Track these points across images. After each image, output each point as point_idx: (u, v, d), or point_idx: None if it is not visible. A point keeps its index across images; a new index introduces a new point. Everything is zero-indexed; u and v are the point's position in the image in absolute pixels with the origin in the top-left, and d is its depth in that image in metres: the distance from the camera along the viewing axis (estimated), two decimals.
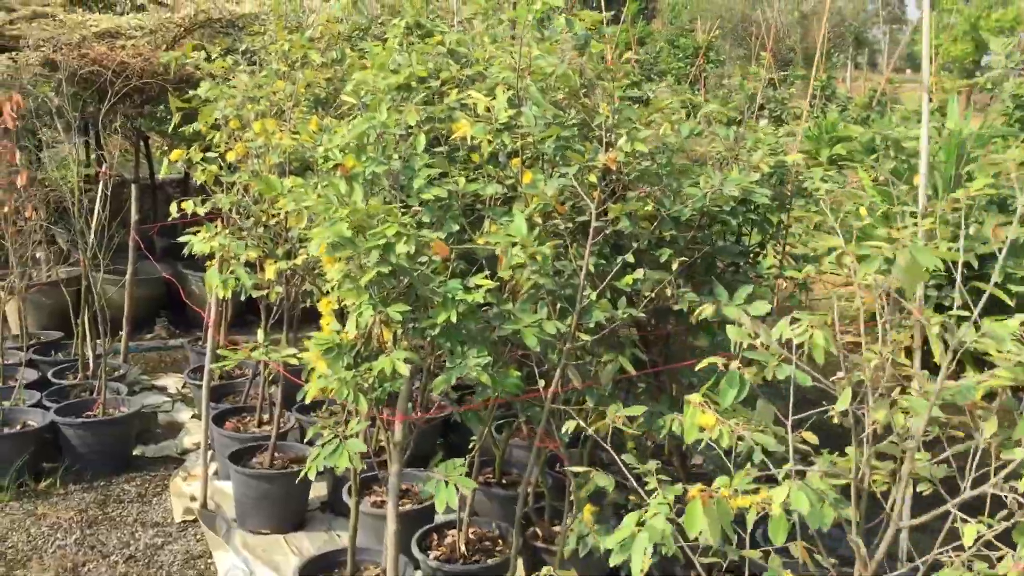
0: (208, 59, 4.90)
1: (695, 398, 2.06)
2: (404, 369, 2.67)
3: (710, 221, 3.28)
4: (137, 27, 7.00)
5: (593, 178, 3.12)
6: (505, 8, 4.24)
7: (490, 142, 3.10)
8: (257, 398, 5.27)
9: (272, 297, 3.54)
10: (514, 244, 2.94)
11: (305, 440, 4.15)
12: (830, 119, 10.98)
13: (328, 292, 3.21)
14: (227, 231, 3.44)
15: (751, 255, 3.66)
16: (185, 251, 3.75)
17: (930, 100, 3.18)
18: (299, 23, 5.92)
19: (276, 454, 4.36)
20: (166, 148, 9.50)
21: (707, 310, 3.00)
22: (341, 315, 3.27)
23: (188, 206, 3.51)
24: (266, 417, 4.86)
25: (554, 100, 3.38)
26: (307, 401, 2.79)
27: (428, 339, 2.97)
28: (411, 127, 3.25)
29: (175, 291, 7.35)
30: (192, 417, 5.56)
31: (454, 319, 2.77)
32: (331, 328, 3.15)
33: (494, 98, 3.21)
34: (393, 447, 2.88)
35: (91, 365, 5.56)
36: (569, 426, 2.71)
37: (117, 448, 4.82)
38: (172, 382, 6.20)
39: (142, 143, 8.52)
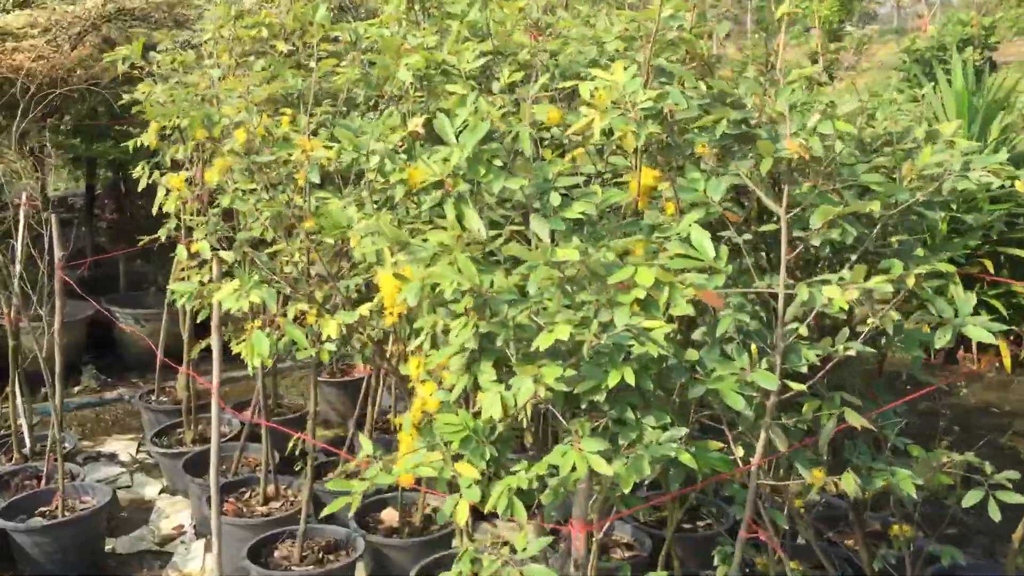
0: (148, 54, 4.03)
1: None
2: (605, 467, 1.87)
3: (899, 216, 2.56)
4: (29, 24, 5.86)
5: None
6: None
7: (635, 135, 2.31)
8: (249, 463, 4.36)
9: (324, 357, 2.67)
10: (683, 271, 2.19)
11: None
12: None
13: (410, 341, 2.40)
14: (256, 279, 2.55)
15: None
16: (185, 303, 2.86)
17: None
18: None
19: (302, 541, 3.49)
20: (62, 165, 8.32)
21: (945, 336, 2.30)
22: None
23: (203, 247, 2.59)
24: (271, 489, 3.95)
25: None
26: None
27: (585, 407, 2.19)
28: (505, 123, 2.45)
29: (99, 333, 6.28)
30: (162, 492, 4.56)
31: (630, 379, 1.99)
32: (433, 398, 2.33)
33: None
34: (575, 570, 2.06)
35: (27, 441, 4.52)
36: None
37: (86, 548, 3.81)
38: (121, 447, 5.13)
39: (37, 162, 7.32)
